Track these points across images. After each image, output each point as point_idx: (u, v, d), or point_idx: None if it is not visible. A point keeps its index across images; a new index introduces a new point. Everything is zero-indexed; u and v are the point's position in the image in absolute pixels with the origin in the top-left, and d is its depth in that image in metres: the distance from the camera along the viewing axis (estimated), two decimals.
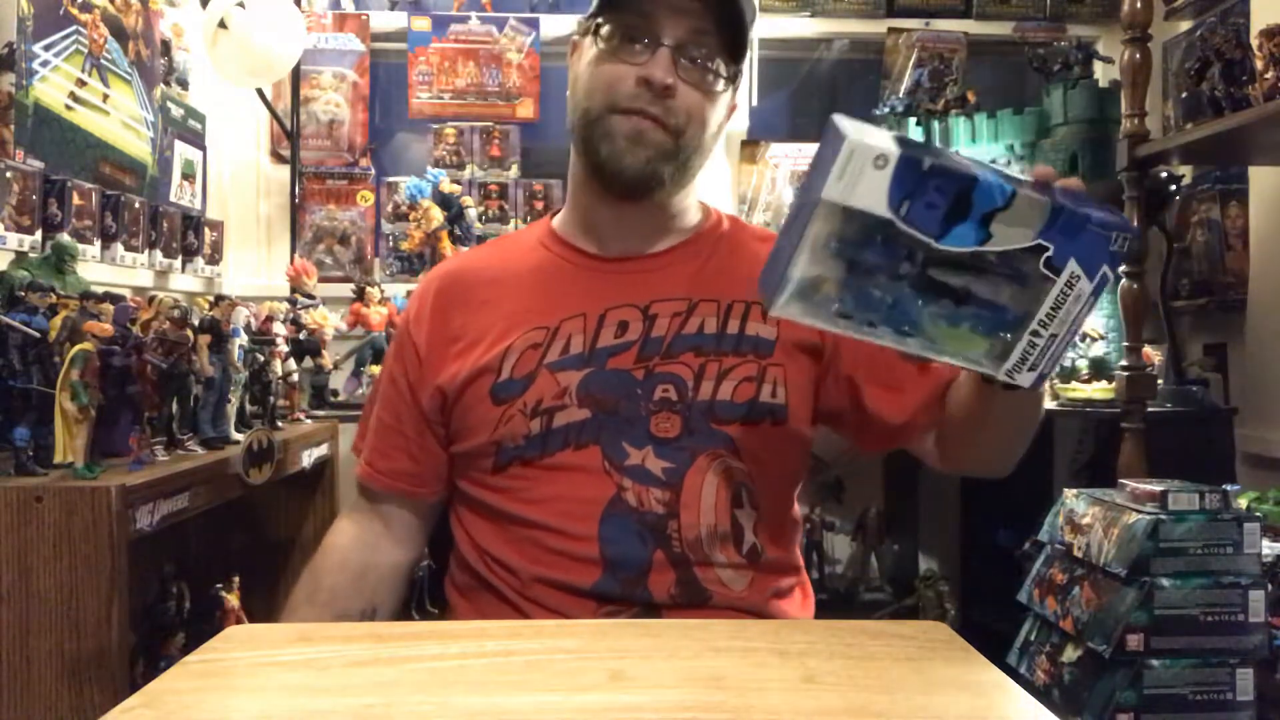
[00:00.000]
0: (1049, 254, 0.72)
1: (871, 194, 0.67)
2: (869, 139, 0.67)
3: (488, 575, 1.01)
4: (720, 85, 1.02)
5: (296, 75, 2.66)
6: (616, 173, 1.00)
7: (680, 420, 0.98)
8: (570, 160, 1.10)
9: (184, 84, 2.45)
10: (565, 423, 0.98)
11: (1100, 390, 2.19)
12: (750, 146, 2.85)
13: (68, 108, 1.87)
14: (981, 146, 2.56)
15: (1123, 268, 2.03)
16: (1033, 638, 1.68)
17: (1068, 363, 2.35)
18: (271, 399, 1.80)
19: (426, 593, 1.85)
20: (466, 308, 1.07)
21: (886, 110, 2.73)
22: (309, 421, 1.99)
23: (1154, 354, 2.19)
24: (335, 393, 2.29)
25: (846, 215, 0.68)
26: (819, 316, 0.72)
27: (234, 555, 1.92)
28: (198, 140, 2.47)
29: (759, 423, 1.00)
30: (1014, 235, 0.71)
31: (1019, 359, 0.76)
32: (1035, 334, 0.75)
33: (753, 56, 2.80)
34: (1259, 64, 1.70)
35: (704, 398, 0.99)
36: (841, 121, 0.68)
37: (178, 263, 2.26)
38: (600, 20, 1.00)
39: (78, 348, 1.18)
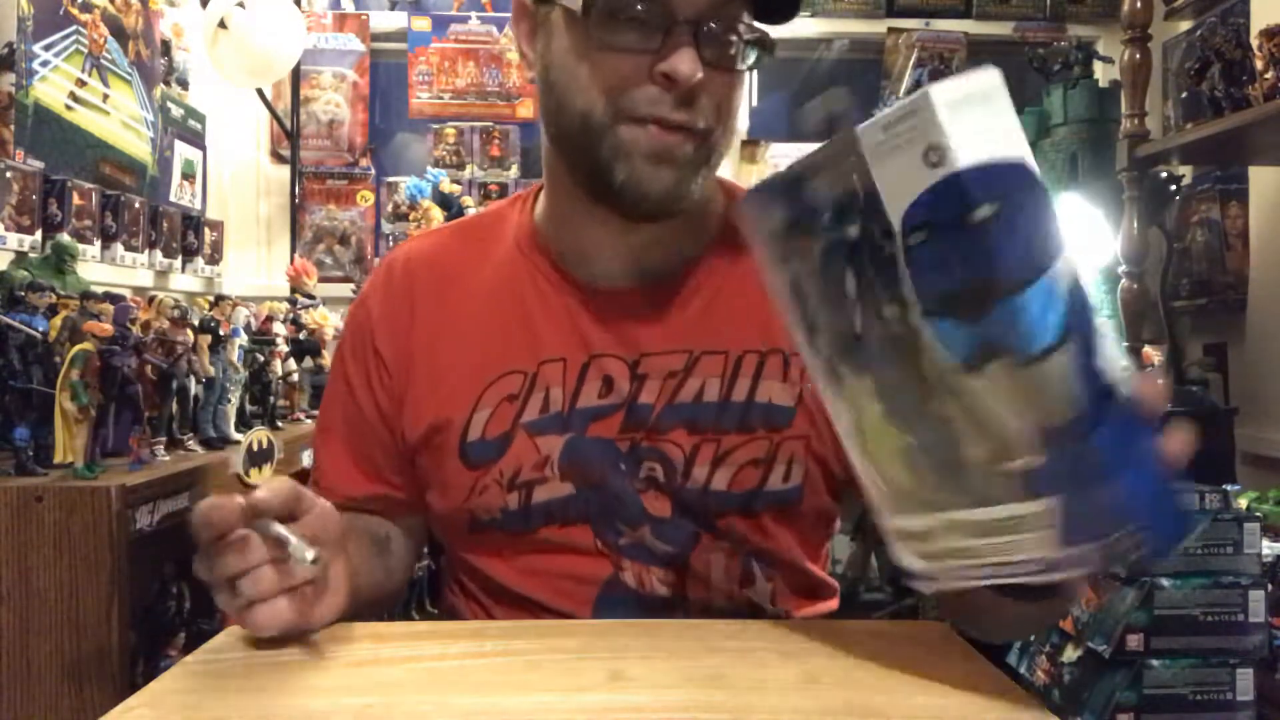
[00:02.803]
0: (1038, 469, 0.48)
1: None
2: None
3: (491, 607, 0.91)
4: (752, 59, 0.78)
5: (296, 75, 2.66)
6: (637, 199, 0.78)
7: (670, 502, 0.84)
8: (547, 160, 0.88)
9: (184, 84, 2.45)
10: (547, 498, 0.84)
11: None
12: (750, 146, 2.85)
13: (68, 108, 1.87)
14: None
15: (1123, 267, 2.04)
16: (1033, 638, 1.68)
17: None
18: (271, 399, 1.80)
19: (426, 593, 1.85)
20: (436, 307, 0.90)
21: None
22: (309, 421, 1.98)
23: (1154, 354, 2.19)
24: None
25: None
26: None
27: None
28: (198, 140, 2.47)
29: (760, 515, 0.84)
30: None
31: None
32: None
33: None
34: (1259, 64, 1.70)
35: (696, 484, 0.83)
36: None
37: (178, 263, 2.26)
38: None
39: (78, 348, 1.18)
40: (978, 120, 0.47)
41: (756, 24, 0.77)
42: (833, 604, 0.94)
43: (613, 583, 0.84)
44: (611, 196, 0.79)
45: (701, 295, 0.86)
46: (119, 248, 1.97)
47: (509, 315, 0.88)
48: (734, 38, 0.76)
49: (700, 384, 0.83)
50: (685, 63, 0.73)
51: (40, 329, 1.20)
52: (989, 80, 0.48)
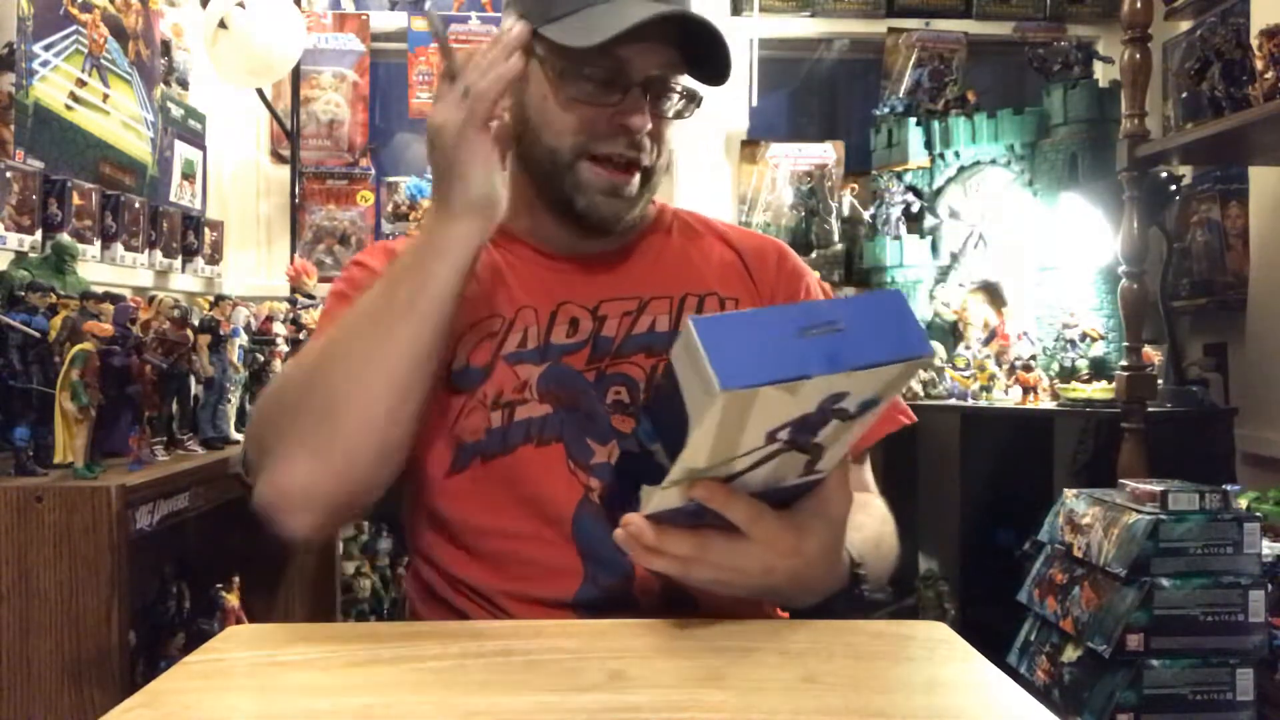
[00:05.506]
0: None
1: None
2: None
3: (456, 602, 0.94)
4: (689, 110, 0.97)
5: (296, 75, 2.66)
6: (593, 223, 0.97)
7: (635, 422, 0.92)
8: (513, 169, 0.99)
9: (184, 84, 2.45)
10: (526, 417, 0.93)
11: (1100, 390, 2.19)
12: (750, 146, 2.85)
13: (68, 108, 1.87)
14: (981, 146, 2.56)
15: (1123, 268, 2.04)
16: (1033, 638, 1.69)
17: (1068, 363, 2.35)
18: None
19: None
20: None
21: (886, 110, 2.73)
22: None
23: (1154, 354, 2.19)
24: None
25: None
26: None
27: (234, 555, 1.92)
28: (198, 140, 2.47)
29: None
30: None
31: None
32: None
33: (752, 57, 2.80)
34: (1259, 64, 1.70)
35: None
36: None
37: (178, 263, 2.26)
38: (562, 62, 0.92)
39: (78, 348, 1.18)
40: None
41: (692, 82, 0.96)
42: None
43: (585, 503, 0.91)
44: (572, 218, 0.98)
45: (644, 260, 1.04)
46: (119, 248, 1.97)
47: (485, 280, 1.00)
48: (675, 93, 0.96)
49: (652, 319, 0.99)
50: (639, 117, 0.92)
51: (40, 329, 1.20)
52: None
